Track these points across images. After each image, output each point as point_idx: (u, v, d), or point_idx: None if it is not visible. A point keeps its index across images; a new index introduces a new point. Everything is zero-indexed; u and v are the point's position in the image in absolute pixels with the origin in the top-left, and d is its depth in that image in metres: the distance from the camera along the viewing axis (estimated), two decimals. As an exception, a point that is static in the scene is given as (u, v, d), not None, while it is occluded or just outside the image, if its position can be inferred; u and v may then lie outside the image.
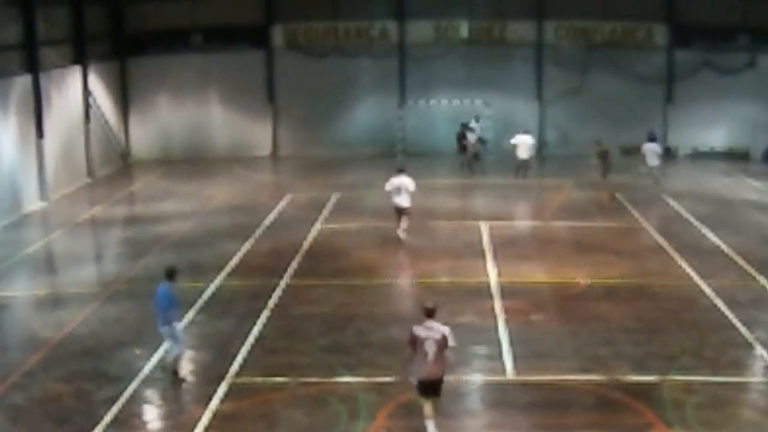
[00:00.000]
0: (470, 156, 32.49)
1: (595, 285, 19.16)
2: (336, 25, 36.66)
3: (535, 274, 19.99)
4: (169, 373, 14.20)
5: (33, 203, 28.01)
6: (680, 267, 20.36)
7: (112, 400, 13.41)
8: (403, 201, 22.37)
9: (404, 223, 22.55)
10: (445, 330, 11.77)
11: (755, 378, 14.40)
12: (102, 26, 34.68)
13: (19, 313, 18.37)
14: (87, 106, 32.56)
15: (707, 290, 18.55)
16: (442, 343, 11.69)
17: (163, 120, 36.84)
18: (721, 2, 34.44)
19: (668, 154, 35.14)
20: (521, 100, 36.12)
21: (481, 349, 15.41)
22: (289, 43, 36.87)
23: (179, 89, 36.50)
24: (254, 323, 16.80)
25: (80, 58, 32.18)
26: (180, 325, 14.37)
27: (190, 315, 17.10)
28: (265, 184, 31.84)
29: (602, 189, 28.75)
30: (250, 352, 15.42)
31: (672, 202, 27.20)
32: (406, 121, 35.70)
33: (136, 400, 13.59)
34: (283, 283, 19.40)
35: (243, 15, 36.57)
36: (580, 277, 19.70)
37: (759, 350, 15.22)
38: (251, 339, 16.03)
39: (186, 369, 14.48)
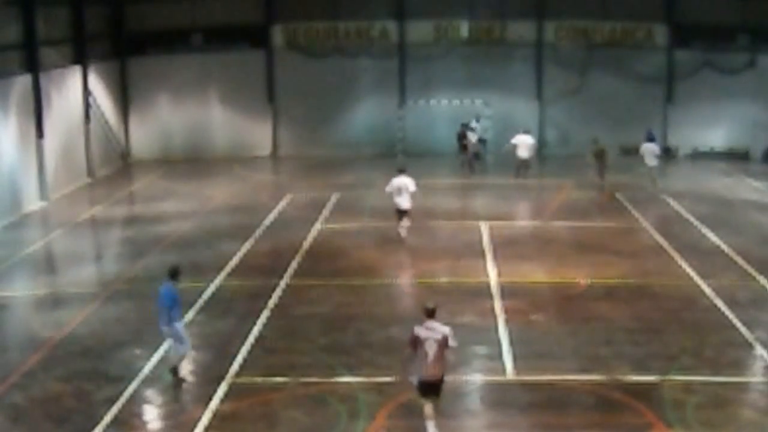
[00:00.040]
0: (471, 156, 32.49)
1: (595, 285, 19.16)
2: (336, 25, 36.65)
3: (535, 274, 19.99)
4: (173, 372, 14.16)
5: (33, 203, 28.01)
6: (680, 267, 20.36)
7: (112, 400, 13.41)
8: (404, 202, 22.33)
9: (405, 223, 22.56)
10: (446, 330, 11.77)
11: (755, 378, 14.41)
12: (102, 26, 34.68)
13: (19, 313, 18.37)
14: (87, 106, 32.56)
15: (707, 290, 18.55)
16: (443, 344, 11.68)
17: (163, 120, 36.84)
18: (721, 2, 34.45)
19: (668, 154, 35.20)
20: (521, 100, 36.11)
21: (481, 349, 15.41)
22: (289, 43, 36.87)
23: (179, 89, 36.50)
24: (254, 323, 16.81)
25: (80, 58, 32.17)
26: (181, 325, 14.34)
27: (190, 315, 17.08)
28: (265, 184, 31.84)
29: (601, 188, 28.76)
30: (250, 352, 15.42)
31: (672, 202, 27.20)
32: (406, 121, 35.70)
33: (136, 400, 13.59)
34: (283, 283, 19.40)
35: (243, 15, 36.58)
36: (580, 277, 19.70)
37: (759, 350, 15.22)
38: (251, 339, 16.03)
39: (186, 369, 14.47)
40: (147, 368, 14.67)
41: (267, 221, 25.38)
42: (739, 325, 16.42)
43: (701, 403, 13.15)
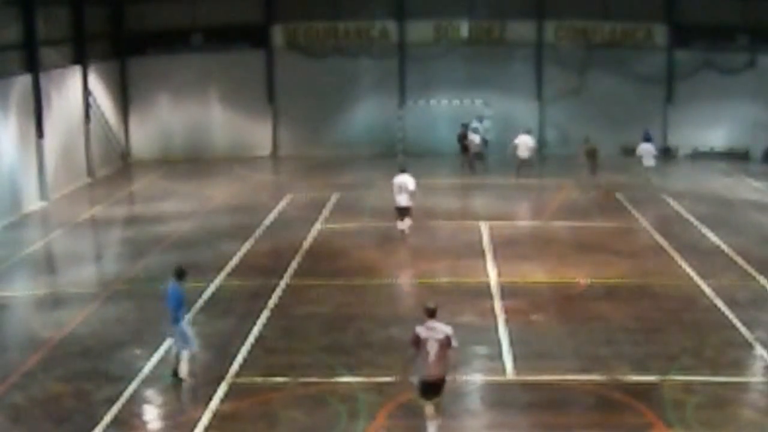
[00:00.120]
0: (472, 156, 32.47)
1: (595, 285, 19.16)
2: (336, 25, 36.65)
3: (535, 274, 19.99)
4: (174, 373, 14.15)
5: (33, 203, 28.01)
6: (680, 267, 20.36)
7: (112, 400, 13.41)
8: (403, 200, 22.39)
9: (407, 222, 22.58)
10: (448, 330, 11.75)
11: (755, 378, 14.41)
12: (102, 26, 34.67)
13: (19, 313, 18.37)
14: (87, 106, 32.56)
15: (707, 290, 18.55)
16: (445, 344, 11.66)
17: (163, 120, 36.83)
18: (721, 2, 34.43)
19: (668, 154, 35.22)
20: (521, 100, 36.11)
21: (481, 349, 15.41)
22: (289, 43, 36.87)
23: (179, 89, 36.50)
24: (254, 323, 16.81)
25: (80, 58, 32.17)
26: (187, 325, 14.30)
27: (190, 315, 17.04)
28: (265, 184, 31.84)
29: (597, 187, 28.93)
30: (250, 352, 15.42)
31: (672, 202, 27.20)
32: (406, 121, 35.68)
33: (136, 400, 13.59)
34: (283, 283, 19.40)
35: (243, 15, 36.57)
36: (580, 277, 19.70)
37: (759, 350, 15.22)
38: (251, 339, 16.03)
39: (186, 369, 14.45)
40: (147, 368, 14.66)
41: (267, 221, 25.38)
42: (739, 325, 16.42)
43: (701, 403, 13.15)
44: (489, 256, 21.39)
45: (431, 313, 11.85)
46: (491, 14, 36.07)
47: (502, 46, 36.25)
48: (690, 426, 12.44)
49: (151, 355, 15.16)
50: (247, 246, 22.63)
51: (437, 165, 33.31)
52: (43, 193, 28.59)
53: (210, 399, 13.45)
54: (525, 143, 30.98)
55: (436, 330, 11.71)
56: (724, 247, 21.98)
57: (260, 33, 36.63)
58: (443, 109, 35.79)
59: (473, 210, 27.27)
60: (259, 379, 14.28)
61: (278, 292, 18.80)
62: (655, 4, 35.49)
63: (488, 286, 19.06)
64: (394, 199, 22.55)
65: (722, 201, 27.77)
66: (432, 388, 11.80)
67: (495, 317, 17.06)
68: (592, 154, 29.81)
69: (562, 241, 22.97)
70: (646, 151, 29.64)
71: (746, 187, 30.14)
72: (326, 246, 22.70)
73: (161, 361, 14.85)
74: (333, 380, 14.21)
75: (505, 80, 35.93)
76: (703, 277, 19.42)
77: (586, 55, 35.95)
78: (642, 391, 13.52)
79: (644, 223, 24.64)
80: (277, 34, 36.80)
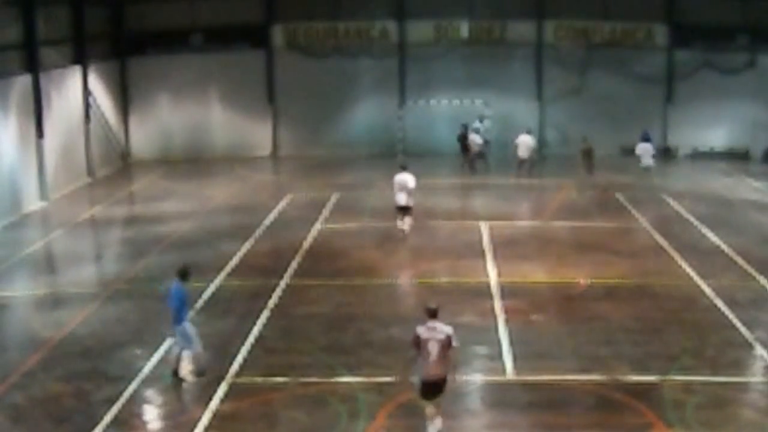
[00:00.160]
0: (473, 156, 32.47)
1: (595, 285, 19.16)
2: (336, 25, 36.65)
3: (535, 274, 19.99)
4: (174, 373, 14.15)
5: (33, 203, 28.01)
6: (680, 267, 20.36)
7: (112, 400, 13.41)
8: (403, 199, 22.40)
9: (407, 221, 22.59)
10: (449, 330, 11.74)
11: (755, 378, 14.41)
12: (102, 26, 34.68)
13: (19, 313, 18.37)
14: (87, 106, 32.56)
15: (707, 290, 18.55)
16: (446, 344, 11.65)
17: (163, 120, 36.83)
18: (721, 2, 34.45)
19: (668, 154, 35.23)
20: (521, 100, 36.11)
21: (481, 349, 15.41)
22: (289, 43, 36.87)
23: (179, 89, 36.49)
24: (254, 323, 16.81)
25: (80, 58, 32.17)
26: (189, 325, 14.29)
27: (190, 315, 17.04)
28: (265, 184, 31.84)
29: (592, 186, 29.06)
30: (250, 352, 15.42)
31: (672, 202, 27.20)
32: (406, 121, 35.70)
33: (136, 400, 13.59)
34: (283, 283, 19.40)
35: (243, 15, 36.57)
36: (580, 277, 19.70)
37: (759, 350, 15.22)
38: (251, 339, 16.03)
39: (186, 369, 14.46)
40: (147, 368, 14.67)
41: (267, 221, 25.38)
42: (739, 325, 16.42)
43: (701, 403, 13.15)
44: (489, 256, 21.38)
45: (433, 314, 11.85)
46: (491, 14, 36.08)
47: (502, 46, 36.25)
48: (690, 426, 12.44)
49: (151, 355, 15.16)
50: (247, 246, 22.63)
51: (437, 165, 33.29)
52: (43, 193, 28.60)
53: (210, 399, 13.45)
54: (525, 143, 31.03)
55: (437, 330, 11.70)
56: (724, 247, 21.98)
57: (260, 33, 36.63)
58: (443, 109, 35.79)
59: (473, 210, 27.28)
60: (259, 379, 14.28)
61: (278, 292, 18.79)
62: (655, 4, 35.49)
63: (488, 286, 19.06)
64: (395, 198, 22.56)
65: (722, 201, 27.78)
66: (433, 388, 11.79)
67: (495, 317, 17.06)
68: (587, 154, 29.93)
69: (562, 241, 22.97)
70: (645, 150, 29.72)
71: (746, 187, 30.14)
72: (326, 246, 22.70)
73: (161, 361, 14.85)
74: (333, 380, 14.21)
75: (505, 80, 35.94)
76: (703, 277, 19.42)
77: (586, 55, 35.95)
78: (642, 391, 13.52)
79: (644, 223, 24.64)
80: (277, 34, 36.80)
